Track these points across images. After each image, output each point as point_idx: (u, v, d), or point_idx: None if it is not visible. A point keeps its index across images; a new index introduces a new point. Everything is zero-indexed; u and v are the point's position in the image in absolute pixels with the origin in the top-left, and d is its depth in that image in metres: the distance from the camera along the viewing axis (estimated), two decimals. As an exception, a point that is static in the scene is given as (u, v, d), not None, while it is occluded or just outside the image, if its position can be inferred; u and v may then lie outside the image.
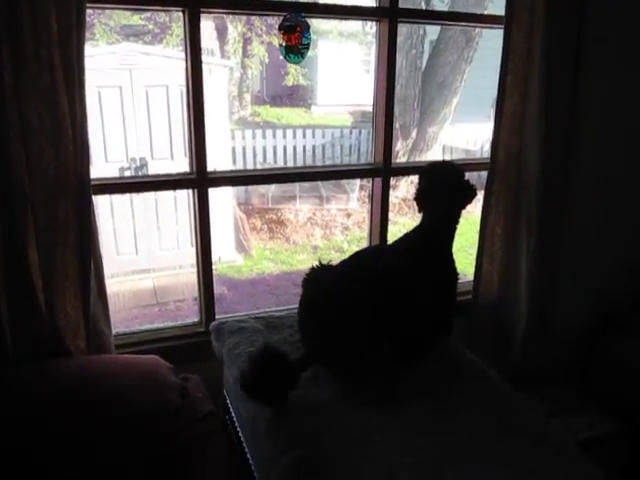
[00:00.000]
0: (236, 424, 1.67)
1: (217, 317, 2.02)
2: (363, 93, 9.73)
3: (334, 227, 6.77)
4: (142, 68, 4.85)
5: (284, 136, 7.45)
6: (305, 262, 5.74)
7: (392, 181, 7.90)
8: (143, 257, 4.91)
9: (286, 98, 11.51)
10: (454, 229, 1.74)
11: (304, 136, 7.63)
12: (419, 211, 1.78)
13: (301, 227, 6.64)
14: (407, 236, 1.74)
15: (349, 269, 1.60)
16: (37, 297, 1.61)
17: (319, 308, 1.51)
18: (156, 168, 4.77)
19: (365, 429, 1.35)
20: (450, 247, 1.75)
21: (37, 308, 1.62)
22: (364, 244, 6.88)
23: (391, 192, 7.82)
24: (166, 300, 4.75)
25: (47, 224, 1.58)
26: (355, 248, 6.17)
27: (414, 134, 7.14)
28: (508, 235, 2.21)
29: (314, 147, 7.70)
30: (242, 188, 6.39)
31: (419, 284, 1.55)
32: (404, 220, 6.80)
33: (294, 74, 9.88)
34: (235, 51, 9.17)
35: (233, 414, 1.70)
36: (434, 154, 7.04)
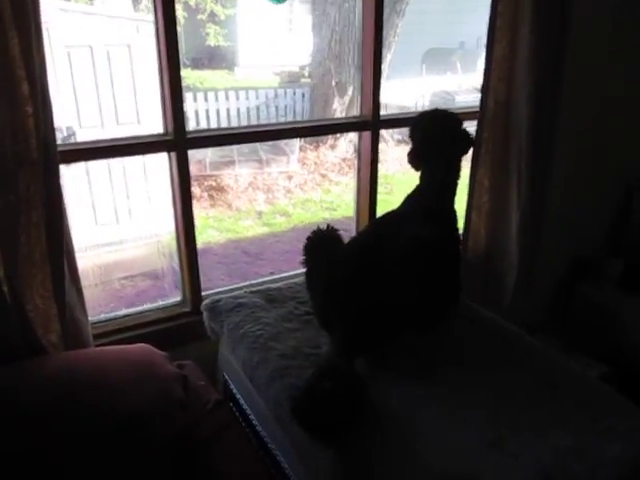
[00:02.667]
0: (246, 410, 1.51)
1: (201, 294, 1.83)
2: (288, 53, 9.43)
3: (276, 191, 6.56)
4: (60, 27, 4.38)
5: (216, 99, 7.12)
6: (250, 229, 5.55)
7: (330, 140, 7.55)
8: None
9: (207, 60, 11.01)
10: (457, 183, 1.63)
11: (237, 98, 7.34)
12: (417, 169, 1.64)
13: (242, 192, 6.39)
14: (413, 198, 1.59)
15: (374, 241, 1.44)
16: (-1, 289, 1.36)
17: (353, 287, 1.34)
18: (85, 137, 4.37)
19: (407, 403, 1.24)
20: (454, 203, 1.64)
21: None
22: (310, 207, 6.69)
23: (330, 152, 7.52)
24: (110, 278, 4.42)
25: (5, 202, 1.32)
26: (300, 211, 6.01)
27: (350, 91, 7.00)
28: (497, 186, 2.13)
29: (248, 109, 7.41)
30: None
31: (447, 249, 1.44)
32: (346, 180, 6.73)
33: (214, 35, 9.43)
34: (149, 10, 8.55)
35: (241, 400, 1.54)
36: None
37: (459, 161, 1.62)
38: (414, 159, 1.63)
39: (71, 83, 4.44)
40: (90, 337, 1.56)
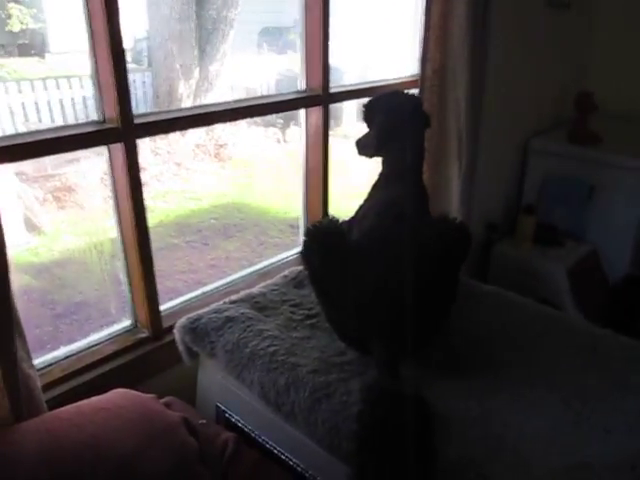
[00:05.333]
0: (265, 444, 1.27)
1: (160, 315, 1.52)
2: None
3: (131, 185, 5.99)
4: None
5: (45, 88, 6.26)
6: (112, 229, 5.00)
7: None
8: None
9: (13, 47, 9.66)
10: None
11: (58, 87, 6.56)
12: (372, 155, 1.54)
13: (94, 190, 5.73)
14: (389, 185, 1.45)
15: (394, 236, 1.25)
16: None
17: (395, 293, 1.16)
18: None
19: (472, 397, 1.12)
20: None
21: None
22: (172, 199, 6.24)
23: (182, 138, 7.09)
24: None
25: None
26: (163, 205, 5.57)
27: (196, 74, 6.65)
28: (434, 158, 2.08)
29: (73, 99, 6.64)
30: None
31: None
32: (202, 167, 6.44)
33: (20, 16, 8.25)
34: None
35: (253, 433, 1.29)
36: (220, 94, 6.68)
37: (424, 140, 1.53)
38: (375, 144, 1.50)
39: None
40: (41, 395, 1.19)
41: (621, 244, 2.64)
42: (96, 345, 1.44)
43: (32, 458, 0.95)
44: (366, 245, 1.24)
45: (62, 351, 1.40)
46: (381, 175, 1.49)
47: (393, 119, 1.49)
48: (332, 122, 1.85)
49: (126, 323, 1.53)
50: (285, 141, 6.92)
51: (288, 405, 1.15)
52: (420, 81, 1.96)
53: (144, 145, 6.30)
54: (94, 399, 1.15)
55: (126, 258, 1.46)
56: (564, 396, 1.14)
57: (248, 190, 6.09)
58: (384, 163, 1.49)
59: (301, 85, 1.76)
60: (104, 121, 1.30)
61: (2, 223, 1.03)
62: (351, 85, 1.91)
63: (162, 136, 6.83)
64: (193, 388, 1.47)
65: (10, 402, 1.09)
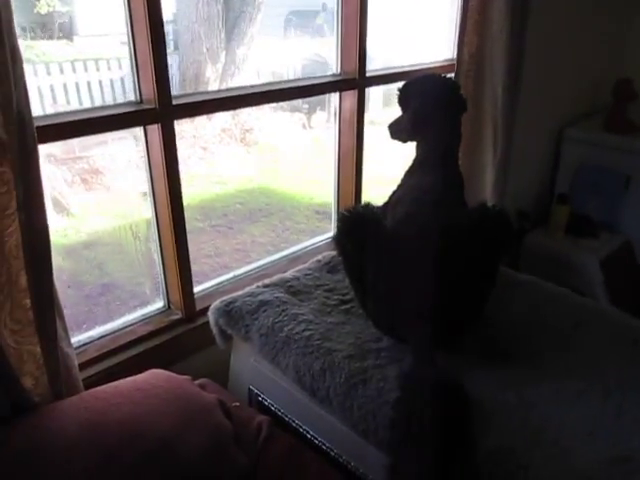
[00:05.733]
0: (298, 428, 1.28)
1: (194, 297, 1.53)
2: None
3: (157, 169, 6.02)
4: None
5: (73, 70, 6.29)
6: (141, 211, 5.04)
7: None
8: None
9: (40, 29, 9.73)
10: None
11: (86, 69, 6.57)
12: (406, 140, 1.50)
13: (122, 172, 5.78)
14: (423, 171, 1.42)
15: (429, 225, 1.23)
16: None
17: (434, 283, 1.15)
18: None
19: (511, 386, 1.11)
20: None
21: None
22: (197, 182, 6.27)
23: (208, 122, 7.06)
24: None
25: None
26: (189, 189, 5.59)
27: (223, 57, 6.61)
28: (469, 145, 2.05)
29: (100, 81, 6.67)
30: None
31: None
32: (227, 151, 6.43)
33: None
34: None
35: (287, 417, 1.30)
36: (246, 78, 6.65)
37: (460, 125, 1.50)
38: (409, 128, 1.47)
39: None
40: (78, 373, 1.21)
41: (656, 236, 2.58)
42: (130, 326, 1.46)
43: (74, 433, 0.97)
44: (403, 231, 1.22)
45: (97, 331, 1.42)
46: (415, 161, 1.46)
47: (428, 103, 1.47)
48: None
49: (159, 305, 1.55)
50: (310, 127, 6.85)
51: (323, 390, 1.14)
52: (456, 65, 1.92)
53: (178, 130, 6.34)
54: (130, 379, 1.17)
55: (160, 240, 1.46)
56: (604, 388, 1.12)
57: (274, 175, 6.07)
58: (418, 148, 1.47)
59: (335, 68, 1.74)
60: (141, 102, 1.30)
61: (45, 205, 1.04)
62: (386, 69, 1.88)
63: (187, 120, 6.86)
64: (225, 371, 1.48)
65: (49, 380, 1.11)
